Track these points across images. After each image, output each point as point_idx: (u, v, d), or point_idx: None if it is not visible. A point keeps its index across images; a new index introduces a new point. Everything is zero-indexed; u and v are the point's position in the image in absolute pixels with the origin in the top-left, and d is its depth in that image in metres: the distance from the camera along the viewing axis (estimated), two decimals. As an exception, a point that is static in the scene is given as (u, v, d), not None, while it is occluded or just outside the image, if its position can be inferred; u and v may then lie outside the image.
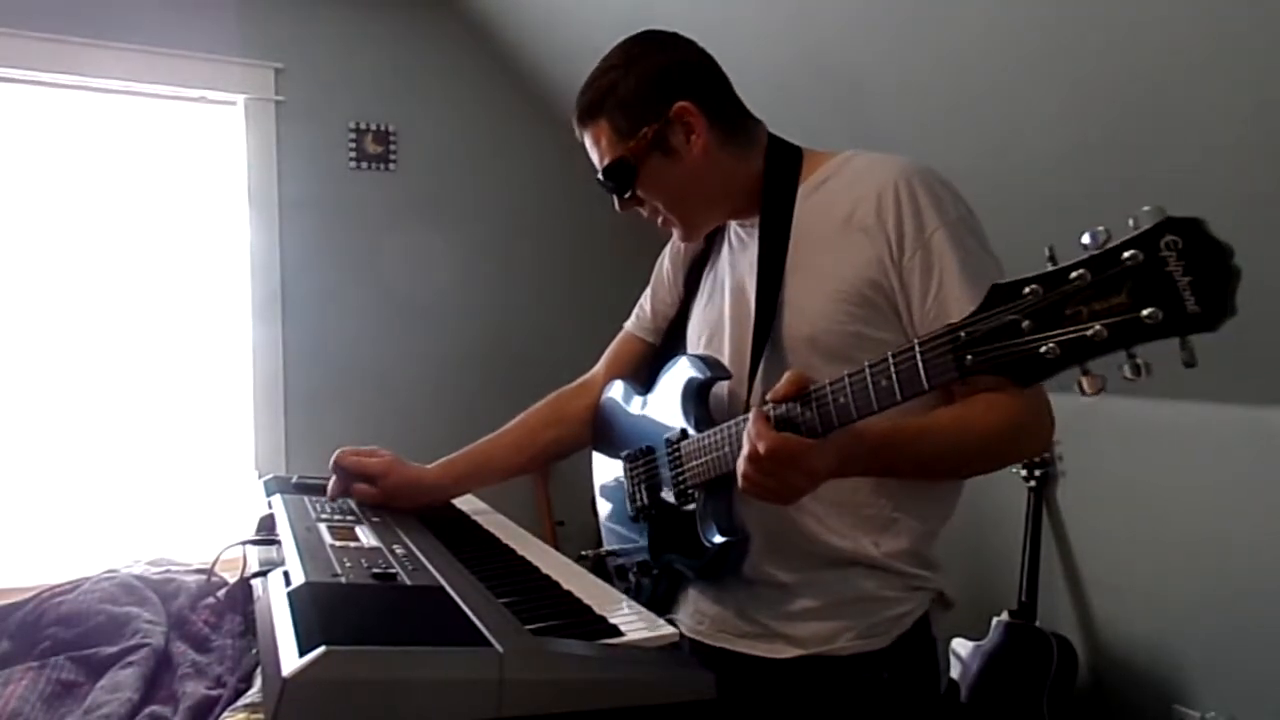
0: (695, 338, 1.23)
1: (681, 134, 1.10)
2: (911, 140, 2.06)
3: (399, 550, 1.03)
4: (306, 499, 1.28)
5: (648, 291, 1.40)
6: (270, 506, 1.25)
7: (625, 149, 1.10)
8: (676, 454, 1.11)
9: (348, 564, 0.92)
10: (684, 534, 1.10)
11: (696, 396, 1.12)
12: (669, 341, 1.32)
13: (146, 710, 1.40)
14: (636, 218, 1.21)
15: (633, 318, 1.41)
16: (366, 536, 1.09)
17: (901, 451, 0.98)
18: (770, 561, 1.06)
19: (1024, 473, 2.36)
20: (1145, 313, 0.61)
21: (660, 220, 1.19)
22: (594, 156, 1.16)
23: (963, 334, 0.74)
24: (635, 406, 1.28)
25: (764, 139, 1.16)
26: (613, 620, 0.89)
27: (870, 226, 1.03)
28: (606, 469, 1.35)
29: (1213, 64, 1.46)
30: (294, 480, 1.42)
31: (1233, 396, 1.95)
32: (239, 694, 1.38)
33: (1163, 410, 2.10)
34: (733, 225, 1.21)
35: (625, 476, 1.24)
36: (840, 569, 1.05)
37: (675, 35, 1.15)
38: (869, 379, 0.83)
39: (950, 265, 0.99)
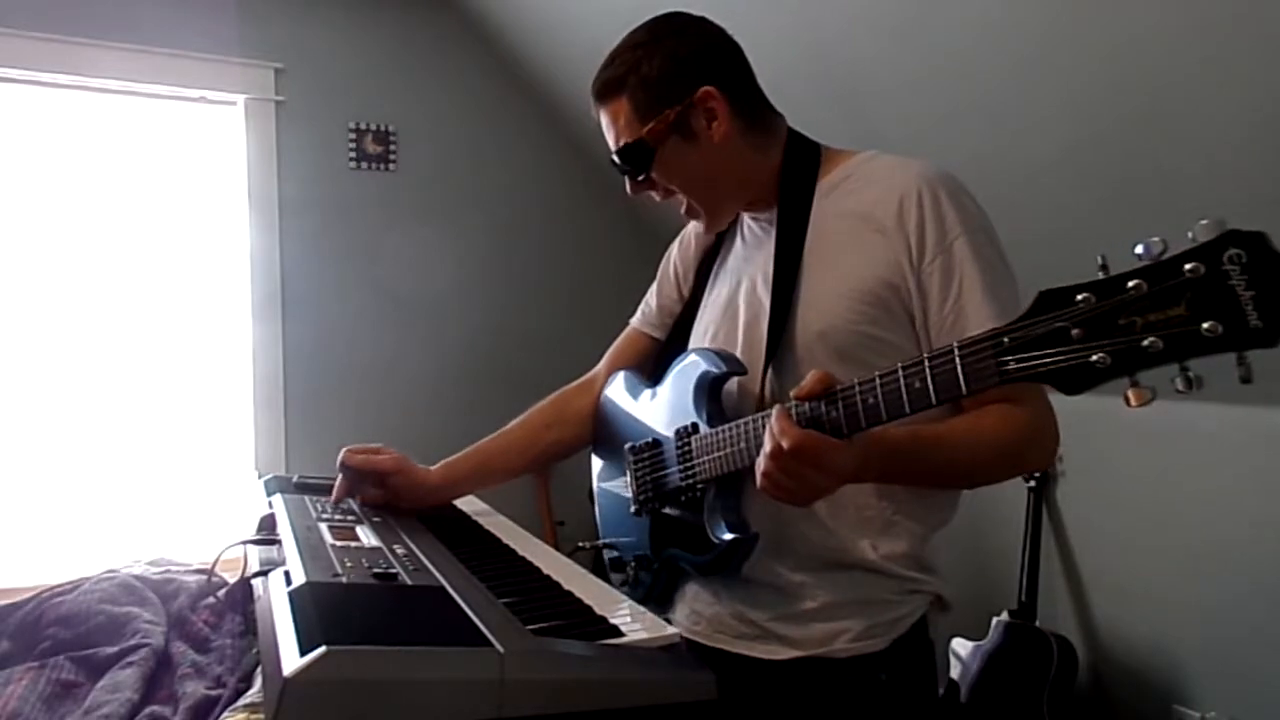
0: (703, 331, 1.22)
1: (703, 118, 1.09)
2: (911, 140, 2.06)
3: (400, 550, 1.02)
4: (307, 498, 1.28)
5: (654, 287, 1.38)
6: (270, 506, 1.25)
7: (644, 129, 1.09)
8: (686, 448, 1.10)
9: (348, 564, 0.92)
10: (689, 529, 1.10)
11: (710, 391, 1.10)
12: (675, 337, 1.31)
13: (146, 710, 1.41)
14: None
15: (638, 313, 1.40)
16: (367, 536, 1.09)
17: (918, 459, 0.98)
18: (768, 562, 1.06)
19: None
20: (1205, 326, 0.61)
21: (683, 209, 1.18)
22: (609, 136, 1.14)
23: (1006, 339, 0.72)
24: (642, 399, 1.26)
25: (784, 133, 1.15)
26: (613, 621, 0.89)
27: (889, 228, 1.02)
28: (607, 460, 1.34)
29: (1213, 64, 1.46)
30: (294, 480, 1.42)
31: (1233, 397, 1.95)
32: (239, 694, 1.38)
33: (1162, 411, 2.09)
34: (746, 219, 1.20)
35: (629, 468, 1.22)
36: (838, 571, 1.04)
37: (703, 19, 1.14)
38: (901, 380, 0.82)
39: (970, 273, 0.99)
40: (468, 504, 1.48)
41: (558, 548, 1.25)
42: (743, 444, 1.00)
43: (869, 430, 0.87)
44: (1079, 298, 0.67)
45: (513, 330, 3.35)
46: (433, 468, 1.33)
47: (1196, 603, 2.08)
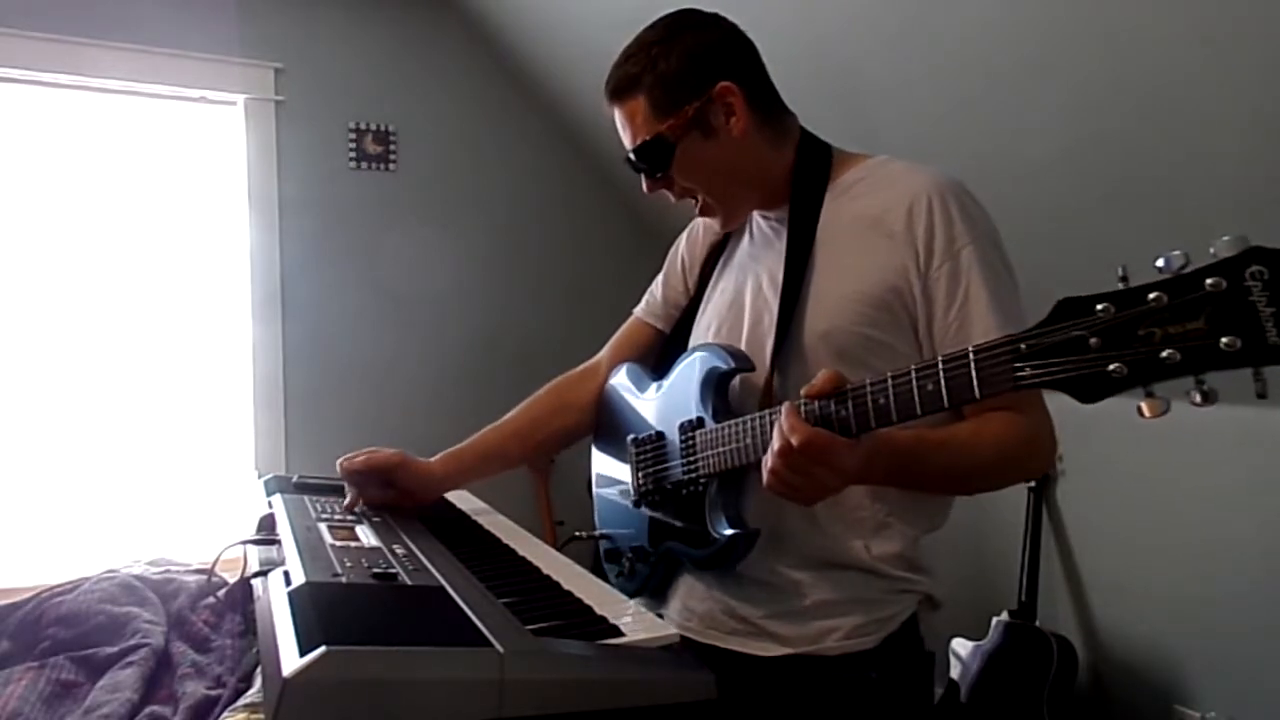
0: (706, 327, 1.22)
1: (722, 114, 1.08)
2: (911, 140, 2.06)
3: (399, 550, 1.03)
4: (307, 498, 1.28)
5: (659, 278, 1.38)
6: (270, 506, 1.25)
7: (663, 126, 1.09)
8: (690, 442, 1.10)
9: (348, 564, 0.92)
10: (689, 523, 1.10)
11: (717, 386, 1.10)
12: (679, 329, 1.31)
13: (146, 710, 1.40)
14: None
15: (642, 304, 1.40)
16: (367, 536, 1.09)
17: (923, 462, 0.98)
18: (763, 559, 1.06)
19: (1024, 473, 2.35)
20: (1224, 341, 0.61)
21: (699, 207, 1.18)
22: (624, 135, 1.14)
23: (1023, 345, 0.72)
24: (647, 391, 1.26)
25: (797, 131, 1.15)
26: (613, 621, 0.89)
27: (898, 233, 1.03)
28: (608, 451, 1.33)
29: (1213, 64, 1.46)
30: (294, 480, 1.42)
31: (1233, 397, 1.95)
32: (239, 694, 1.38)
33: (1163, 410, 2.10)
34: (756, 216, 1.20)
35: (630, 460, 1.22)
36: (832, 570, 1.05)
37: (717, 15, 1.14)
38: (914, 382, 0.82)
39: (977, 282, 0.99)
40: (467, 503, 1.48)
41: (557, 547, 1.25)
42: (748, 440, 1.00)
43: (876, 431, 0.87)
44: (1099, 307, 0.67)
45: (512, 330, 3.35)
46: (434, 459, 1.33)
47: (1196, 602, 2.08)
